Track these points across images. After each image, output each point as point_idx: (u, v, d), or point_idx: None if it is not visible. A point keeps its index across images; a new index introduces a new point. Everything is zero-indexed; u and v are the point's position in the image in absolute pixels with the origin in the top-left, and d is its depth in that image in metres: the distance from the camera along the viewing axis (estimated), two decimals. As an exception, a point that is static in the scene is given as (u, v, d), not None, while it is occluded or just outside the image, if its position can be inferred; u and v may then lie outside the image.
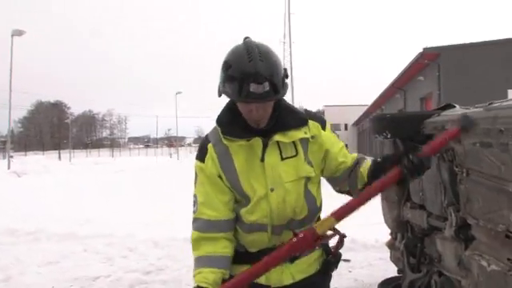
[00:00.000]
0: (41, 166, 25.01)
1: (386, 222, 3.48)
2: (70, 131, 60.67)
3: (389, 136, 3.24)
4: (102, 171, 24.99)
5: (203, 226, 1.77)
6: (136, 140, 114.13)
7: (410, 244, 3.25)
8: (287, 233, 1.79)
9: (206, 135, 1.87)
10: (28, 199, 11.58)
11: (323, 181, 1.95)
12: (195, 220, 1.81)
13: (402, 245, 3.32)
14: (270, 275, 1.78)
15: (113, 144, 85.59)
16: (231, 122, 1.77)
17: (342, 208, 1.68)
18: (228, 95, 1.70)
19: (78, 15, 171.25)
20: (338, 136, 1.93)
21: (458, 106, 3.09)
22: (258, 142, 1.73)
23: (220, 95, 1.74)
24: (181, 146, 71.90)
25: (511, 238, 2.12)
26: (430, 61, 19.26)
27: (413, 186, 3.11)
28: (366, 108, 40.36)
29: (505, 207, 2.11)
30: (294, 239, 1.67)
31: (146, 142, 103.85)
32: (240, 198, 1.79)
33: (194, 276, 1.74)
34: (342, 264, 2.03)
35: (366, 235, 5.83)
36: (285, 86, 1.71)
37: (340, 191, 1.95)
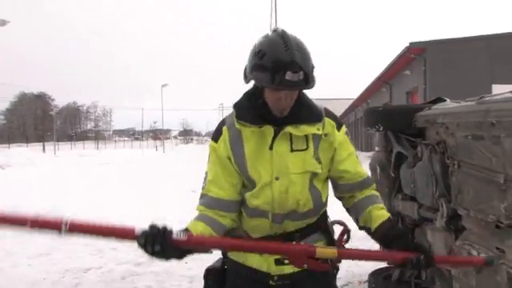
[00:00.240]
0: (25, 159, 24.64)
1: (377, 213, 3.51)
2: (55, 123, 59.84)
3: (381, 129, 3.30)
4: (87, 163, 24.77)
5: (209, 203, 1.81)
6: (121, 132, 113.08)
7: (401, 235, 3.31)
8: (289, 223, 1.83)
9: (224, 118, 1.91)
10: (13, 192, 11.42)
11: None
12: (202, 196, 1.84)
13: (392, 236, 3.38)
14: (271, 264, 1.81)
15: (97, 136, 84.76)
16: (247, 108, 1.80)
17: (349, 250, 1.72)
18: (259, 82, 1.72)
19: (63, 5, 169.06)
20: (351, 143, 1.92)
21: (448, 100, 3.15)
22: (269, 130, 1.76)
23: (248, 82, 1.77)
24: (166, 139, 71.50)
25: (501, 227, 2.18)
26: (416, 55, 19.38)
27: (404, 178, 3.16)
28: (351, 102, 40.47)
29: (495, 198, 2.17)
30: (293, 244, 1.71)
31: (132, 135, 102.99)
32: (247, 183, 1.83)
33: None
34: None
35: (357, 227, 5.87)
36: (314, 77, 1.74)
37: (338, 199, 1.99)
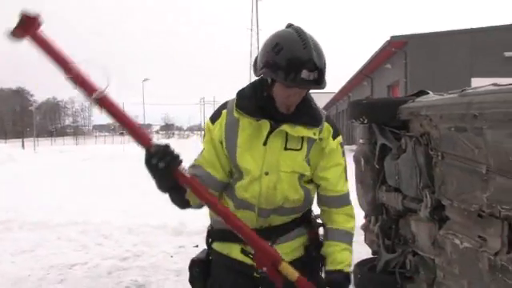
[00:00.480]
0: (5, 155, 24.19)
1: (361, 205, 3.56)
2: (34, 119, 58.84)
3: (365, 121, 3.33)
4: (68, 159, 24.49)
5: (200, 173, 1.82)
6: (101, 128, 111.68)
7: (385, 226, 3.37)
8: (275, 217, 1.86)
9: (227, 101, 1.90)
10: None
11: None
12: (194, 166, 1.85)
13: (376, 227, 3.43)
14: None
15: (76, 132, 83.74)
16: (250, 98, 1.80)
17: (308, 284, 1.78)
18: (272, 76, 1.70)
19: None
20: (343, 154, 1.93)
21: (431, 93, 3.20)
22: (266, 124, 1.76)
23: (259, 75, 1.76)
24: (148, 134, 70.72)
25: (483, 216, 2.24)
26: (397, 49, 19.55)
27: (388, 170, 3.20)
28: (333, 95, 40.62)
29: (478, 188, 2.23)
30: (269, 245, 1.78)
31: (112, 130, 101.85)
32: (234, 171, 1.84)
33: None
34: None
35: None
36: (325, 78, 1.74)
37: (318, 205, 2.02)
